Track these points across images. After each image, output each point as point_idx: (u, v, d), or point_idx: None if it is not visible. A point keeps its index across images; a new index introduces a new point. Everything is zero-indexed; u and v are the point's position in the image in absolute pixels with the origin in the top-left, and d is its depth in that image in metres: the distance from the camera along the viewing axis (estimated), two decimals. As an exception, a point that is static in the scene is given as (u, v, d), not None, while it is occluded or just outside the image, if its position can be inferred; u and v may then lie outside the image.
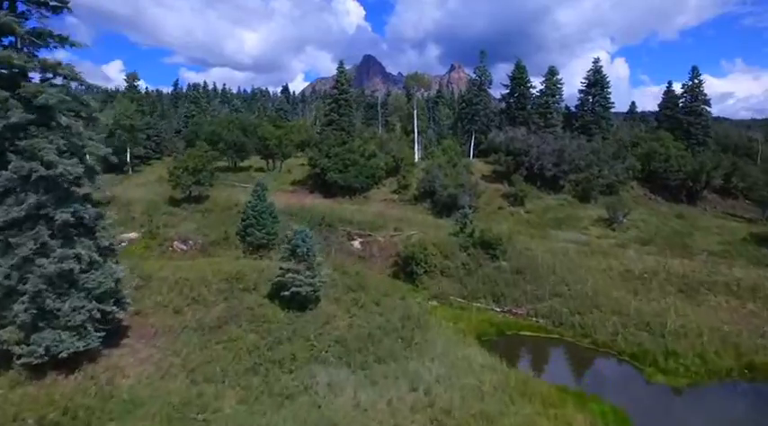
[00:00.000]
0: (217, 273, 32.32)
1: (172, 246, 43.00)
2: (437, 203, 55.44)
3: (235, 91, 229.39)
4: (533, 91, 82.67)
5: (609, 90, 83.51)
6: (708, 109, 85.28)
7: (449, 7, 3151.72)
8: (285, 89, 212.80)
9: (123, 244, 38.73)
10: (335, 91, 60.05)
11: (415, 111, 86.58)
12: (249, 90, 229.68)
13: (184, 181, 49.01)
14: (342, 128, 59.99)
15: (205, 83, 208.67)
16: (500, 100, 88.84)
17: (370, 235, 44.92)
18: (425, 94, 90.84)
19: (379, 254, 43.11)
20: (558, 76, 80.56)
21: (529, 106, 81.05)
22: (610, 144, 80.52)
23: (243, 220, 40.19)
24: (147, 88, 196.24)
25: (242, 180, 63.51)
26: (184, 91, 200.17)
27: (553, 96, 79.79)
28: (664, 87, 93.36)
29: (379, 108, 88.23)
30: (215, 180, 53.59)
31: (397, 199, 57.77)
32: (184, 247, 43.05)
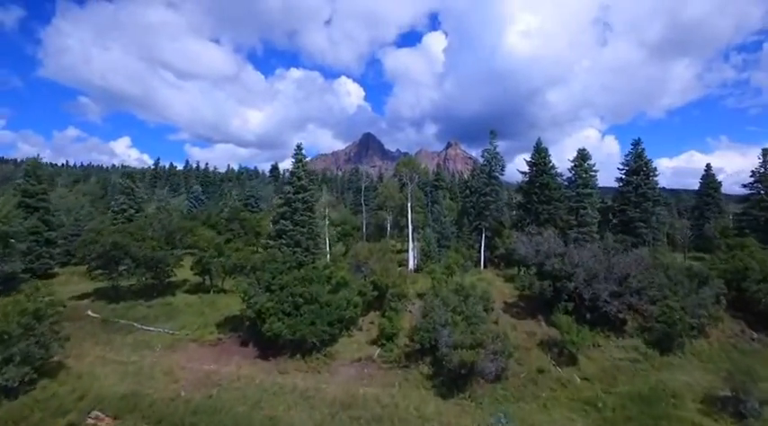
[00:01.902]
0: None
1: None
2: (441, 368, 33.65)
3: (221, 168, 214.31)
4: (558, 178, 63.85)
5: (656, 179, 64.64)
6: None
7: (445, 89, 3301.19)
8: (274, 168, 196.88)
9: None
10: (289, 188, 39.73)
11: (410, 203, 66.99)
12: (254, 166, 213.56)
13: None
14: (296, 243, 39.48)
15: (157, 162, 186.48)
16: (517, 189, 69.66)
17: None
18: (420, 180, 71.30)
19: None
20: (591, 162, 61.90)
21: (554, 199, 61.54)
22: (663, 252, 60.33)
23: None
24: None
25: (154, 315, 42.21)
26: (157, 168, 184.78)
27: (585, 186, 60.50)
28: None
29: (362, 192, 68.36)
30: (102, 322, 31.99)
31: (377, 357, 35.92)
32: None
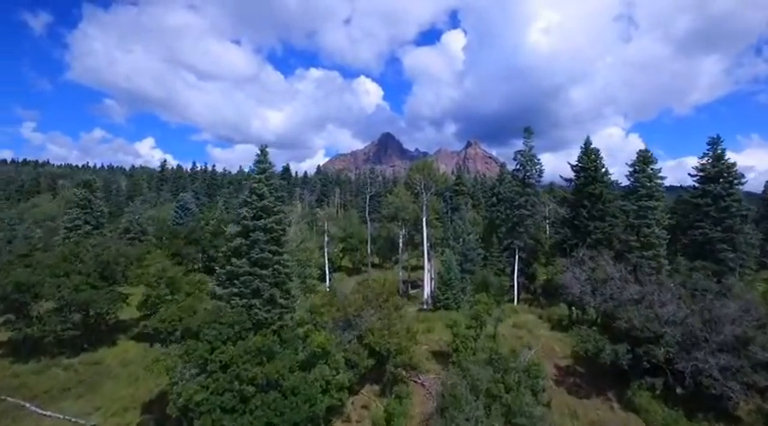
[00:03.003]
0: None
1: None
2: None
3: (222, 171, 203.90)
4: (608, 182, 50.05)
5: (740, 188, 50.30)
6: None
7: (464, 87, 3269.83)
8: (286, 169, 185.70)
9: None
10: (246, 211, 26.52)
11: (425, 217, 54.13)
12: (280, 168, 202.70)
13: None
14: (254, 292, 26.49)
15: (164, 163, 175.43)
16: (560, 201, 56.16)
17: None
18: (437, 188, 58.34)
19: None
20: (655, 165, 47.92)
21: (610, 215, 47.82)
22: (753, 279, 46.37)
23: None
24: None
25: (65, 385, 30.23)
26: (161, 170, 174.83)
27: (650, 197, 46.59)
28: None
29: (367, 202, 55.80)
30: None
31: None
32: None
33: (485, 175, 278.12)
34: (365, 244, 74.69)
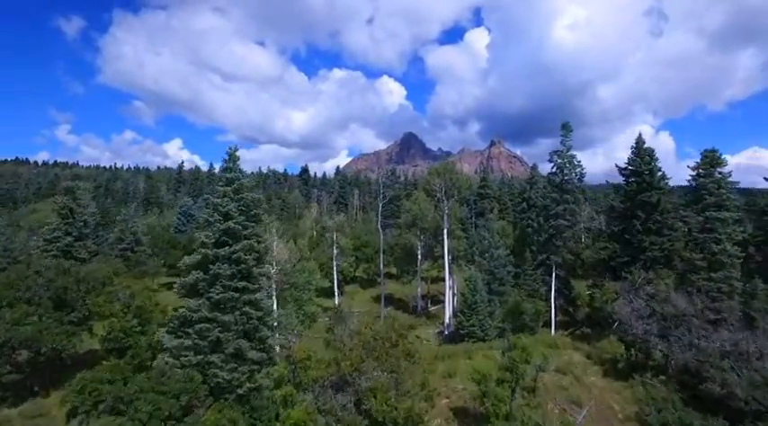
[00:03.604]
0: None
1: None
2: None
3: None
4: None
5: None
6: None
7: (488, 85, 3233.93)
8: (304, 170, 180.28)
9: None
10: (207, 235, 19.66)
11: (446, 227, 46.84)
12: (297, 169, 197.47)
13: None
14: (214, 345, 19.39)
15: (181, 165, 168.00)
16: (607, 211, 48.05)
17: None
18: (461, 195, 50.75)
19: None
20: (725, 168, 39.37)
21: (670, 228, 39.58)
22: None
23: None
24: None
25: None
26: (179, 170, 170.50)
27: (719, 208, 38.11)
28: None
29: (380, 210, 48.80)
30: None
31: None
32: None
33: (511, 177, 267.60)
34: (376, 254, 67.89)
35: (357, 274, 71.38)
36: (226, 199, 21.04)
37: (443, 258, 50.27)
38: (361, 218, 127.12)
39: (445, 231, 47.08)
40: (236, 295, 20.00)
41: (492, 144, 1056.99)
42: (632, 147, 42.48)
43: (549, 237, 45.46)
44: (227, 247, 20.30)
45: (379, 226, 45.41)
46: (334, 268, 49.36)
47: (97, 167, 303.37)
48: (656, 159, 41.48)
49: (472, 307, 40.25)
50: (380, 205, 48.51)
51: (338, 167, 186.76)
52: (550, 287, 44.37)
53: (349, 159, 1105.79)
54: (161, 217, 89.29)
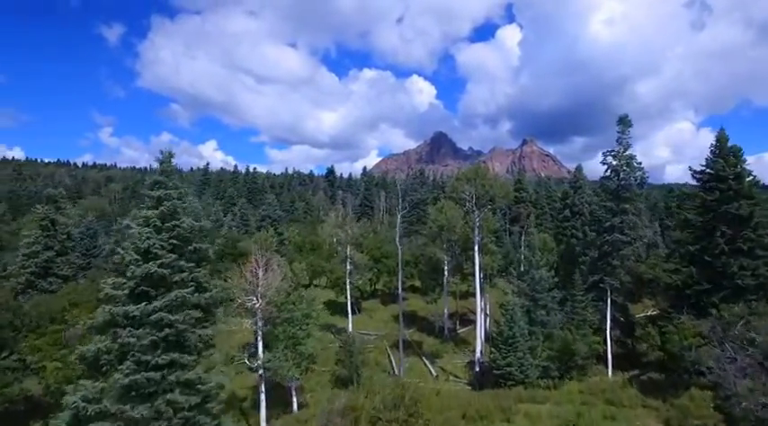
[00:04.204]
0: None
1: None
2: None
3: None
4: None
5: None
6: None
7: (520, 82, 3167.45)
8: (330, 171, 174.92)
9: None
10: (131, 271, 13.62)
11: (477, 240, 39.52)
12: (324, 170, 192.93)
13: None
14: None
15: (207, 166, 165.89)
16: (678, 226, 39.57)
17: None
18: (494, 201, 42.83)
19: None
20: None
21: (762, 247, 30.92)
22: None
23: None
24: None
25: None
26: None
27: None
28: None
29: (398, 224, 41.66)
30: None
31: None
32: None
33: (548, 178, 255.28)
34: (406, 265, 60.99)
35: (378, 287, 64.71)
36: (148, 229, 14.44)
37: (474, 276, 42.91)
38: (387, 222, 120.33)
39: (476, 245, 39.66)
40: (158, 375, 13.41)
41: (524, 142, 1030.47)
42: (711, 146, 33.91)
43: (603, 255, 37.42)
44: (145, 302, 13.78)
45: (398, 241, 38.30)
46: (348, 287, 42.83)
47: (132, 168, 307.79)
48: (744, 160, 32.84)
49: (509, 342, 32.71)
50: (400, 216, 41.29)
51: (364, 168, 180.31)
52: (604, 315, 36.34)
53: (379, 159, 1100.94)
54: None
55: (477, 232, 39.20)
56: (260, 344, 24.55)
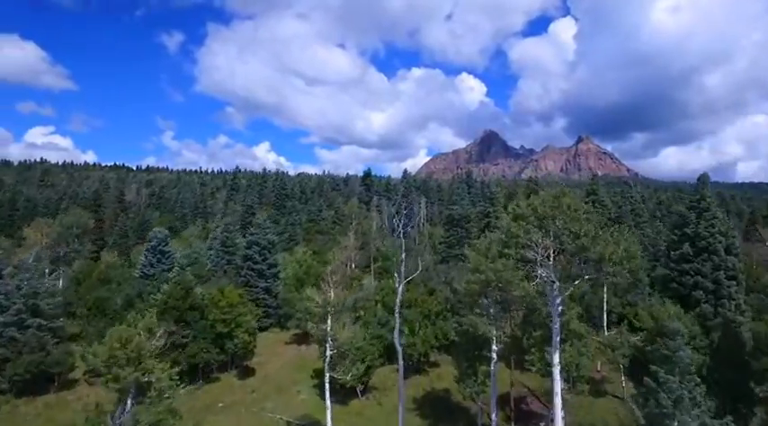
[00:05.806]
0: None
1: None
2: None
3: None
4: None
5: None
6: None
7: (576, 77, 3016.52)
8: (366, 175, 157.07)
9: None
10: None
11: (556, 323, 19.52)
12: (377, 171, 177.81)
13: None
14: None
15: (237, 170, 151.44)
16: None
17: None
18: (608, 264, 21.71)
19: None
20: None
21: None
22: None
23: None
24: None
25: None
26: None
27: None
28: None
29: (401, 289, 22.55)
30: None
31: None
32: None
33: (597, 173, 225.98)
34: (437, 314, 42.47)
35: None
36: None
37: (552, 372, 23.31)
38: (428, 233, 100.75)
39: (556, 337, 20.13)
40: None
41: (579, 140, 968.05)
42: None
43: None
44: None
45: (397, 341, 19.40)
46: (327, 388, 24.41)
47: (184, 171, 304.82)
48: None
49: None
50: (401, 285, 22.28)
51: (405, 170, 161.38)
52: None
53: (427, 158, 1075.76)
54: (134, 250, 69.25)
55: (557, 316, 19.64)
56: None
